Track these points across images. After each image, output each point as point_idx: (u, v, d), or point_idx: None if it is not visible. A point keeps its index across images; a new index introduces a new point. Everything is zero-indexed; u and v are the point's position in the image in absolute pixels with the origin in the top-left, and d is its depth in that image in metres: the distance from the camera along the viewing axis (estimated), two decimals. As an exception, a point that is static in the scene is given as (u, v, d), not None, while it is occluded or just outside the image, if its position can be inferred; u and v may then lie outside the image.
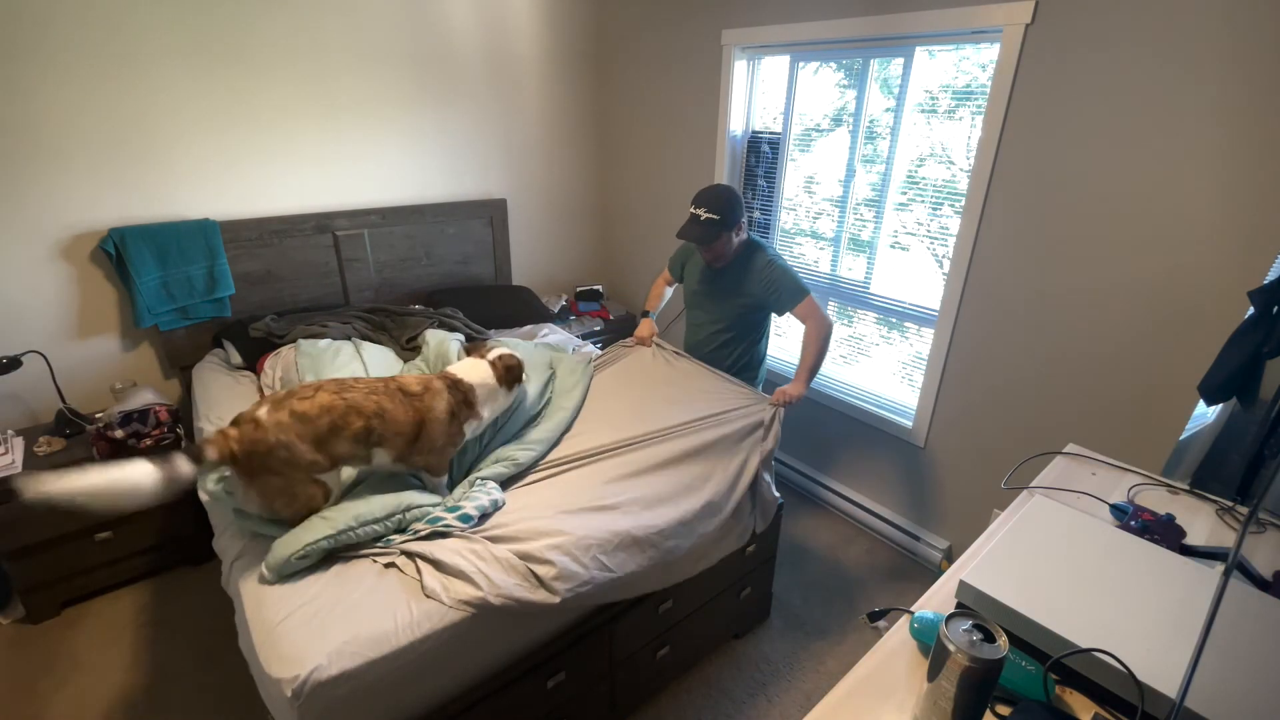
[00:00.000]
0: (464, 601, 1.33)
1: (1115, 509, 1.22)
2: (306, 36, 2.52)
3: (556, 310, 3.35)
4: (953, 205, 2.21)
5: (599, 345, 3.14)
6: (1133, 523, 1.14)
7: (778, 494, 1.95)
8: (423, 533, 1.49)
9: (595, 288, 3.62)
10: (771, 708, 1.88)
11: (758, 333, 2.28)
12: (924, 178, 2.30)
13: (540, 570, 1.40)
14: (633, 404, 2.07)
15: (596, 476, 1.73)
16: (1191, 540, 1.11)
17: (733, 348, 2.27)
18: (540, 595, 1.39)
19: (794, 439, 2.99)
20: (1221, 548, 1.09)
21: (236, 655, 1.63)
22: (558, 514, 1.56)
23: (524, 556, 1.43)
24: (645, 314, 2.52)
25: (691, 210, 2.04)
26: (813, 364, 2.05)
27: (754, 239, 2.17)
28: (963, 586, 0.93)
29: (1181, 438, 1.40)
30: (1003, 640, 0.73)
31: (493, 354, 1.84)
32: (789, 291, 2.07)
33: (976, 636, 0.73)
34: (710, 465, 1.81)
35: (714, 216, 1.99)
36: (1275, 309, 1.05)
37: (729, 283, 2.19)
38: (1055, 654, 0.82)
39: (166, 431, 2.19)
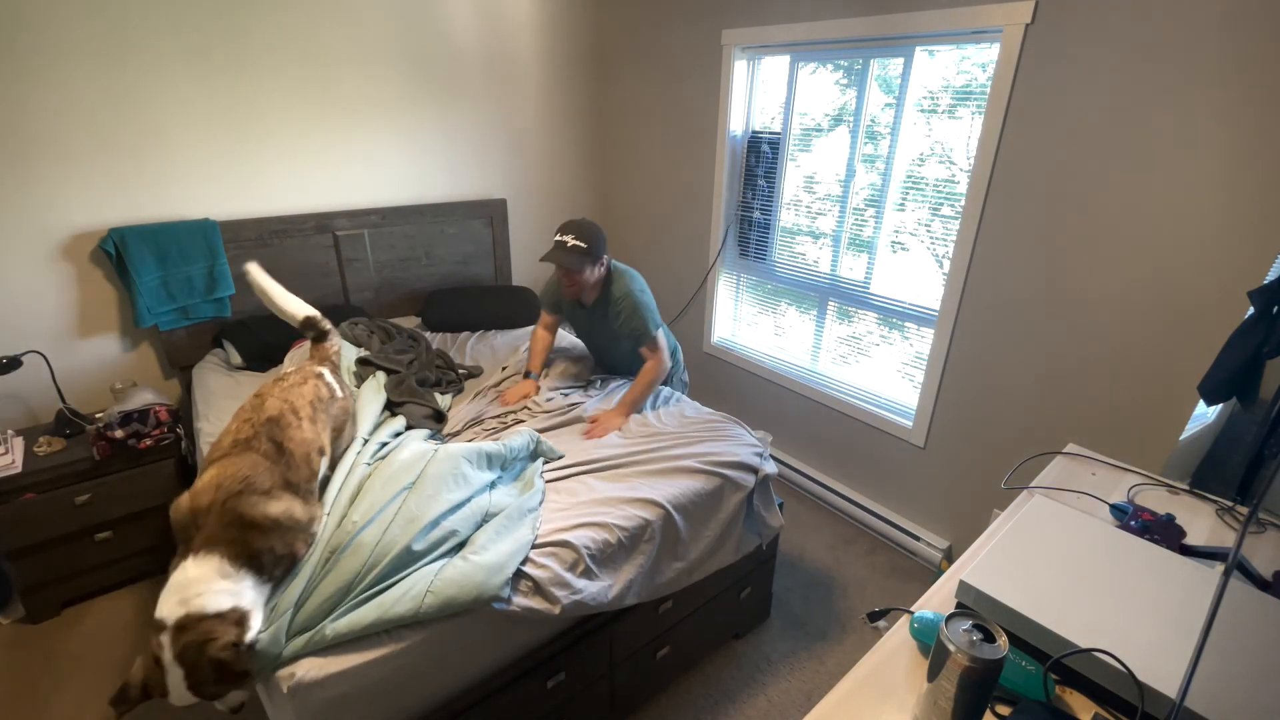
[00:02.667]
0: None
1: (1115, 509, 1.21)
2: (307, 36, 2.52)
3: (556, 310, 3.34)
4: (953, 205, 2.21)
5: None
6: (1133, 523, 1.14)
7: (781, 518, 1.93)
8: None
9: (595, 288, 3.61)
10: (771, 708, 1.87)
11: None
12: (924, 178, 2.30)
13: (537, 574, 1.40)
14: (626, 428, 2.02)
15: (590, 491, 1.69)
16: (1191, 540, 1.11)
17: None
18: (538, 602, 1.38)
19: (794, 439, 2.99)
20: (1221, 548, 1.09)
21: (236, 655, 1.62)
22: (553, 523, 1.55)
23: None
24: (528, 374, 2.28)
25: (558, 238, 2.01)
26: (636, 399, 2.07)
27: (615, 270, 2.16)
28: (963, 586, 0.93)
29: (1182, 438, 1.40)
30: (1003, 640, 0.73)
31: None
32: (637, 334, 2.10)
33: (976, 636, 0.73)
34: (702, 481, 1.77)
35: (582, 245, 1.97)
36: (1275, 309, 1.05)
37: (599, 327, 2.21)
38: (1055, 654, 0.82)
39: (166, 431, 2.19)
